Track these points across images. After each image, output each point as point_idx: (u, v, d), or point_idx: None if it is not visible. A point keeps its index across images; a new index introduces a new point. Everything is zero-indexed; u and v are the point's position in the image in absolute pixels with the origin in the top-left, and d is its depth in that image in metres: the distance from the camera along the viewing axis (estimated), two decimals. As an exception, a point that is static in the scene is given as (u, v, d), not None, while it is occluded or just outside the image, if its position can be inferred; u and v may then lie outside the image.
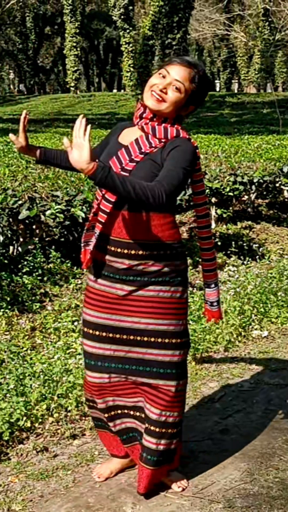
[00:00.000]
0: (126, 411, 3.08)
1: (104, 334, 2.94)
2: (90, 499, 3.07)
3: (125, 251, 2.84)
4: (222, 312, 3.26)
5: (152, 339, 2.91)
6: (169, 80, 2.81)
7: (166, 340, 2.92)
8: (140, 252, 2.84)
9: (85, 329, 3.01)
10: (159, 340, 2.91)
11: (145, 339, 2.91)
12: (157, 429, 2.98)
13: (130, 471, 3.27)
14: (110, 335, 2.93)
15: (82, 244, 2.95)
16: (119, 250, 2.85)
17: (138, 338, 2.91)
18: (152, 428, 2.98)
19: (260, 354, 4.93)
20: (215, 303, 3.18)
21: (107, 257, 2.88)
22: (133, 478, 3.22)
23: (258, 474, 3.28)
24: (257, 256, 7.29)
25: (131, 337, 2.91)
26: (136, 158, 2.81)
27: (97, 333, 2.95)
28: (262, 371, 4.62)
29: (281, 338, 5.24)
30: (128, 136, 2.93)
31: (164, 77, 2.82)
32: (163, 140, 2.84)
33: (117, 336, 2.92)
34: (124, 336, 2.92)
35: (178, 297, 2.94)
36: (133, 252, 2.84)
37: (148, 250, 2.85)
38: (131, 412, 3.08)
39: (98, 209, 2.86)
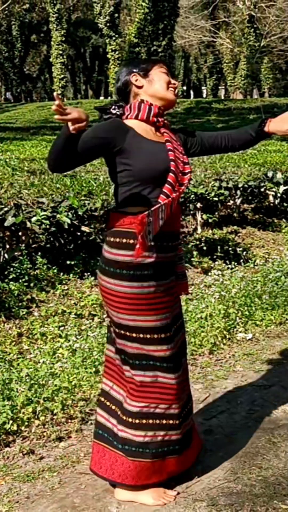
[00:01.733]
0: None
1: (173, 330, 3.05)
2: (76, 499, 3.11)
3: (175, 242, 3.05)
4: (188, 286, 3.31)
5: None
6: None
7: None
8: (179, 240, 3.11)
9: (160, 335, 2.98)
10: None
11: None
12: None
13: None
14: (175, 326, 3.08)
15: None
16: (175, 243, 3.04)
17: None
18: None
19: (245, 356, 4.99)
20: (181, 276, 3.21)
21: (168, 255, 3.01)
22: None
23: (241, 473, 3.33)
24: (241, 260, 7.36)
25: (180, 321, 3.15)
26: (182, 151, 3.06)
27: (170, 333, 3.03)
28: (246, 373, 4.67)
29: (266, 340, 5.30)
30: (149, 133, 3.01)
31: (168, 74, 3.08)
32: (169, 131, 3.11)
33: (177, 325, 3.11)
34: (178, 323, 3.12)
35: None
36: (178, 241, 3.10)
37: (180, 237, 3.13)
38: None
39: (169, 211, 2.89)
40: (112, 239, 2.93)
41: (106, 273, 2.94)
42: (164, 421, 3.04)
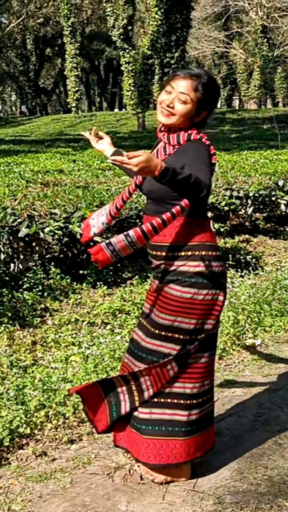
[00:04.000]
0: None
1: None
2: (86, 498, 3.22)
3: (153, 252, 3.19)
4: None
5: (157, 331, 3.19)
6: (175, 94, 3.04)
7: (169, 334, 3.15)
8: (161, 254, 3.16)
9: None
10: (163, 333, 3.16)
11: (156, 331, 3.19)
12: None
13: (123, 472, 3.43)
14: None
15: None
16: (150, 251, 3.22)
17: (153, 329, 3.20)
18: None
19: (253, 361, 5.08)
20: None
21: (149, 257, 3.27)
22: (128, 479, 3.38)
23: (247, 473, 3.43)
24: (250, 268, 7.45)
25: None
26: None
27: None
28: (255, 377, 4.76)
29: (274, 346, 5.39)
30: (156, 148, 3.23)
31: (170, 92, 3.07)
32: (176, 146, 3.09)
33: None
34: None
35: (188, 297, 3.09)
36: (157, 253, 3.18)
37: (166, 251, 3.14)
38: None
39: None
40: (210, 253, 3.13)
41: (197, 284, 3.11)
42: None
